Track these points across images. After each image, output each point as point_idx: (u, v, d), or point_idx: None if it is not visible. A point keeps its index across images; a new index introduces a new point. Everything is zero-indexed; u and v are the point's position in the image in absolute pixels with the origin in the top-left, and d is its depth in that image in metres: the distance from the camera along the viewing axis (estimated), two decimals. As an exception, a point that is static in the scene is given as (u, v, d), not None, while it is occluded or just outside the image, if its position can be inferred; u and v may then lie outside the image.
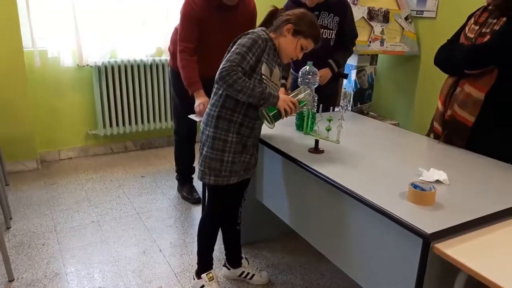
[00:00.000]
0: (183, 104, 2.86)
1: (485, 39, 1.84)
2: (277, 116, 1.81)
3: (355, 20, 2.99)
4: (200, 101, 2.60)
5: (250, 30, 1.83)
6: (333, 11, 2.57)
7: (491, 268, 1.13)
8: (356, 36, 2.73)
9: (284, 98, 1.79)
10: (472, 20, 1.97)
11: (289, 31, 1.82)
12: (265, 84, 1.80)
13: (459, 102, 1.94)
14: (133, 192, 3.30)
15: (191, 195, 3.19)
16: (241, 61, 1.72)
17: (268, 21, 1.91)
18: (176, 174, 3.30)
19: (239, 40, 1.78)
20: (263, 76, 1.80)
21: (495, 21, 1.83)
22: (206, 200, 2.08)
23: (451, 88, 2.00)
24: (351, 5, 3.05)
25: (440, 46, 2.12)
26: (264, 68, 1.80)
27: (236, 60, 1.71)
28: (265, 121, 1.84)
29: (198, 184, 3.25)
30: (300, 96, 1.88)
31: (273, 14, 1.90)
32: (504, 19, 1.80)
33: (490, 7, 1.90)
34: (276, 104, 1.77)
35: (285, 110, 1.78)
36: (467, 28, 1.98)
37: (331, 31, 2.60)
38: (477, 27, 1.92)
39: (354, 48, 2.79)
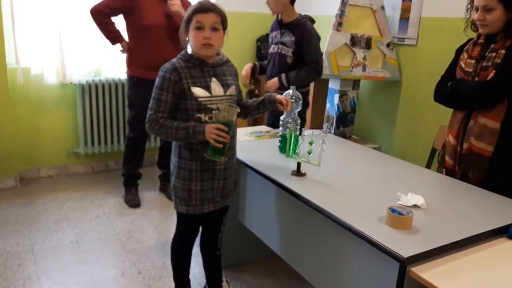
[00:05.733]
0: (142, 113, 2.84)
1: (488, 72, 1.86)
2: (214, 149, 1.70)
3: (338, 46, 3.07)
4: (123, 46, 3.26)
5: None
6: (292, 31, 2.80)
7: (465, 292, 1.15)
8: (315, 61, 2.78)
9: (208, 130, 1.67)
10: (465, 55, 2.00)
11: (187, 34, 1.75)
12: (196, 117, 1.74)
13: (475, 134, 1.93)
14: (114, 212, 3.26)
15: (133, 199, 3.41)
16: (157, 106, 1.73)
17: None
18: (122, 178, 3.49)
19: None
20: (200, 99, 1.74)
21: (494, 54, 1.86)
22: (176, 225, 2.01)
23: (462, 122, 2.00)
24: (335, 31, 3.15)
25: (437, 83, 2.14)
26: (196, 91, 1.74)
27: (154, 107, 1.74)
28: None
29: (142, 189, 3.57)
30: (220, 117, 1.73)
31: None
32: (503, 51, 1.84)
33: (479, 41, 1.95)
34: (204, 138, 1.69)
35: (214, 139, 1.66)
36: (462, 63, 2.00)
37: (288, 49, 2.83)
38: (473, 61, 1.95)
39: (340, 75, 2.87)
